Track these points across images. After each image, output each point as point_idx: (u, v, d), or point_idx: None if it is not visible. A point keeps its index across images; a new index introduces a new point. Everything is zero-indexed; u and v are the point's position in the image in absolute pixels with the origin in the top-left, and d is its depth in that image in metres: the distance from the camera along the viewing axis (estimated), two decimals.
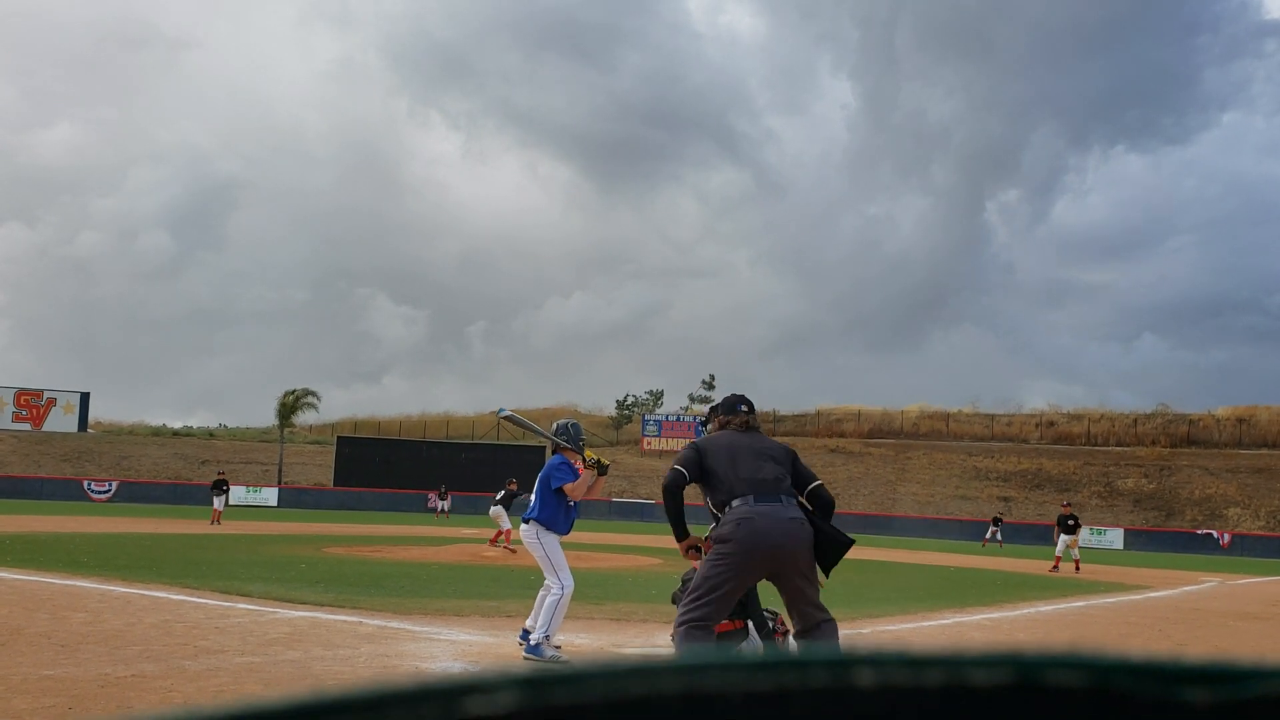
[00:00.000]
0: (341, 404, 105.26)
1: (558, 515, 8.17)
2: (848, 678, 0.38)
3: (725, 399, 6.09)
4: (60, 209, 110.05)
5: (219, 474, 33.26)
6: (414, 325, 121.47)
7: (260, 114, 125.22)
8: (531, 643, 7.77)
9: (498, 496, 22.77)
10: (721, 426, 5.92)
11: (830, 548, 5.53)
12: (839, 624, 5.79)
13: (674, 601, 6.88)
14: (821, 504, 5.66)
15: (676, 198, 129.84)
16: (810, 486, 5.70)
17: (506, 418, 8.68)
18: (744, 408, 5.96)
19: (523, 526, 8.29)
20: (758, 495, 5.46)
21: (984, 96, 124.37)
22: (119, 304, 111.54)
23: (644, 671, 0.39)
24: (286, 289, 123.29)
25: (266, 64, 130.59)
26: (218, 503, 30.02)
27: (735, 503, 5.46)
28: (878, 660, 0.39)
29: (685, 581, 6.62)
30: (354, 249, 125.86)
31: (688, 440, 64.12)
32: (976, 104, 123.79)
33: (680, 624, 5.53)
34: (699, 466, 5.62)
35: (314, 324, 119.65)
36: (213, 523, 28.81)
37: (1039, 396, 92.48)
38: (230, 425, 73.70)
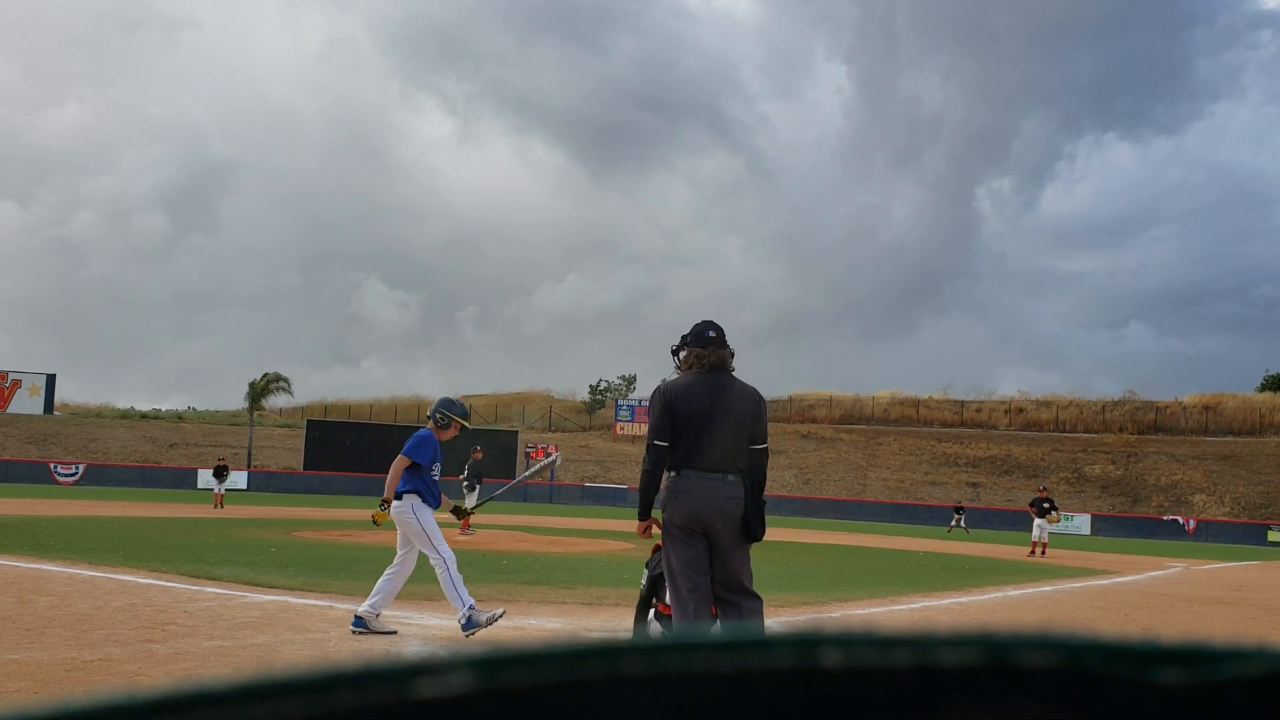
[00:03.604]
0: (320, 387, 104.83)
1: (422, 487, 8.02)
2: (814, 658, 0.37)
3: (694, 327, 5.93)
4: (55, 189, 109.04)
5: (220, 459, 33.57)
6: (407, 310, 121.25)
7: (257, 95, 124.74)
8: (463, 621, 7.59)
9: (465, 472, 22.49)
10: (692, 361, 5.83)
11: (750, 514, 5.69)
12: (822, 610, 5.86)
13: (643, 603, 6.84)
14: (753, 467, 5.75)
15: (668, 184, 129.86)
16: (754, 448, 5.76)
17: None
18: (712, 334, 5.84)
19: (394, 501, 8.03)
20: (707, 468, 5.62)
21: (979, 82, 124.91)
22: (106, 285, 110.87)
23: (603, 652, 0.37)
24: (280, 273, 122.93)
25: (263, 45, 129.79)
26: (218, 487, 30.66)
27: (684, 472, 5.64)
28: (845, 640, 0.38)
29: (652, 576, 6.62)
30: (351, 234, 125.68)
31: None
32: (970, 90, 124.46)
33: (680, 608, 5.72)
34: (672, 427, 5.68)
35: (305, 308, 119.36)
36: (215, 506, 28.84)
37: (1023, 384, 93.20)
38: (200, 409, 73.15)
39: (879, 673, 0.37)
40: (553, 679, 0.37)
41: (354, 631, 7.68)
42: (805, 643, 0.38)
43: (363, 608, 7.77)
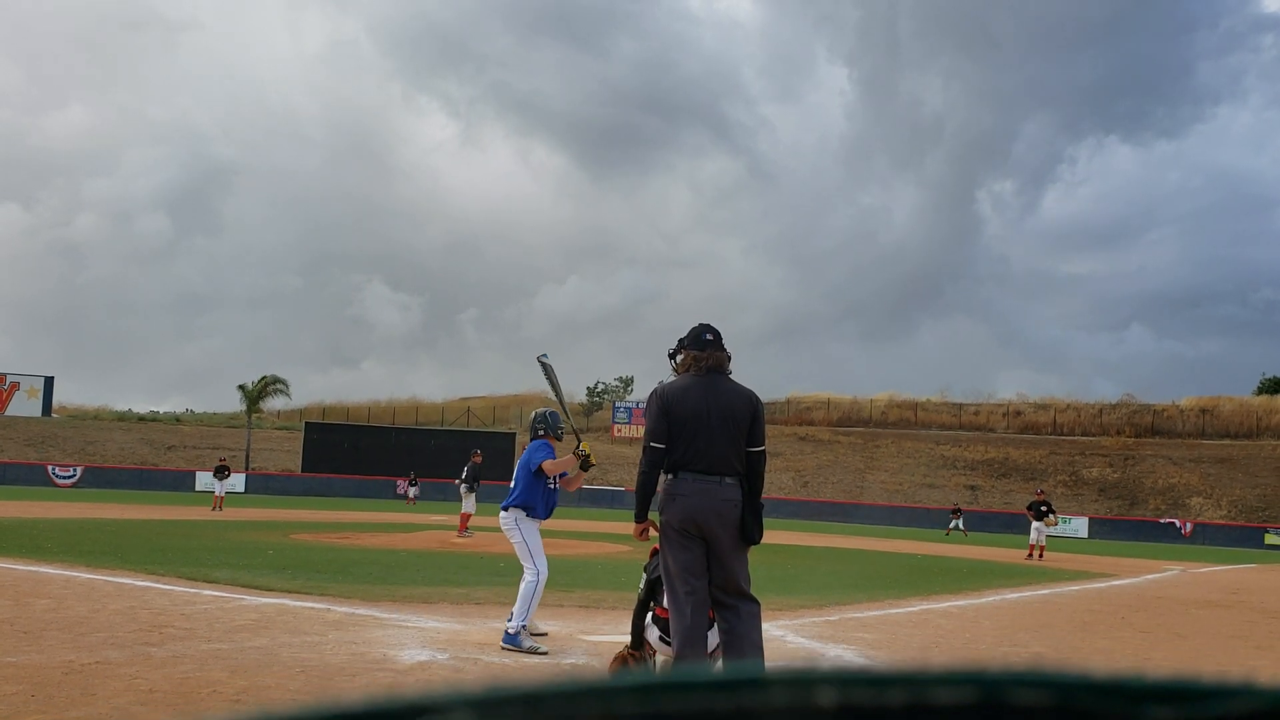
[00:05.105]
0: (320, 389, 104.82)
1: (536, 500, 8.09)
2: (809, 697, 0.38)
3: (691, 330, 5.94)
4: (57, 191, 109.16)
5: (221, 460, 33.49)
6: (409, 312, 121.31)
7: (259, 97, 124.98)
8: (510, 632, 7.67)
9: (463, 474, 22.56)
10: (689, 364, 5.84)
11: (748, 517, 5.70)
12: (820, 613, 5.85)
13: (641, 607, 6.81)
14: (750, 470, 5.75)
15: (669, 186, 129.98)
16: (751, 450, 5.75)
17: (544, 362, 8.58)
18: (709, 336, 5.87)
19: (501, 514, 8.19)
20: (704, 471, 5.62)
21: (980, 85, 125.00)
22: (107, 287, 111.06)
23: (601, 692, 0.38)
24: (281, 275, 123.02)
25: (265, 47, 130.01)
26: (219, 488, 30.68)
27: (681, 474, 5.64)
28: (840, 679, 0.38)
29: (650, 579, 6.60)
30: (353, 236, 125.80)
31: None
32: (972, 93, 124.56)
33: (677, 611, 5.70)
34: (668, 430, 5.68)
35: (305, 310, 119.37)
36: (214, 509, 28.80)
37: (1023, 386, 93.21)
38: (198, 411, 73.12)
39: (874, 711, 0.38)
40: (551, 718, 0.37)
41: (504, 647, 7.72)
42: (801, 681, 0.38)
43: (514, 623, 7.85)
